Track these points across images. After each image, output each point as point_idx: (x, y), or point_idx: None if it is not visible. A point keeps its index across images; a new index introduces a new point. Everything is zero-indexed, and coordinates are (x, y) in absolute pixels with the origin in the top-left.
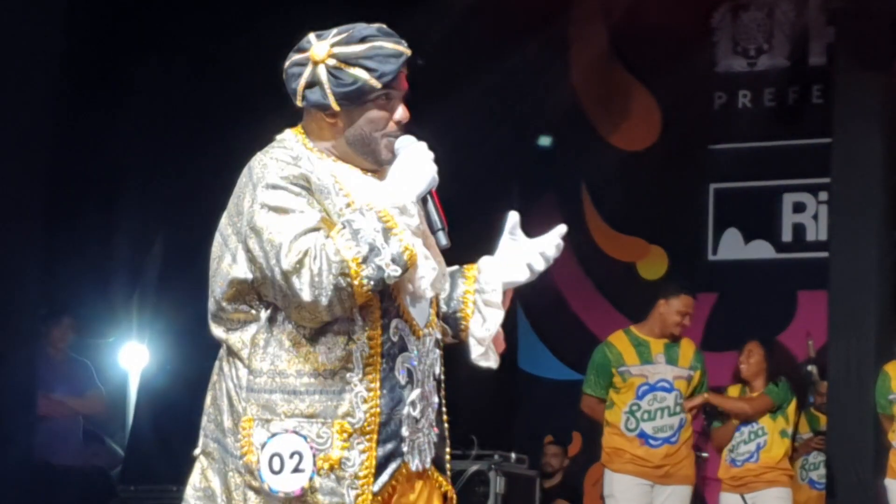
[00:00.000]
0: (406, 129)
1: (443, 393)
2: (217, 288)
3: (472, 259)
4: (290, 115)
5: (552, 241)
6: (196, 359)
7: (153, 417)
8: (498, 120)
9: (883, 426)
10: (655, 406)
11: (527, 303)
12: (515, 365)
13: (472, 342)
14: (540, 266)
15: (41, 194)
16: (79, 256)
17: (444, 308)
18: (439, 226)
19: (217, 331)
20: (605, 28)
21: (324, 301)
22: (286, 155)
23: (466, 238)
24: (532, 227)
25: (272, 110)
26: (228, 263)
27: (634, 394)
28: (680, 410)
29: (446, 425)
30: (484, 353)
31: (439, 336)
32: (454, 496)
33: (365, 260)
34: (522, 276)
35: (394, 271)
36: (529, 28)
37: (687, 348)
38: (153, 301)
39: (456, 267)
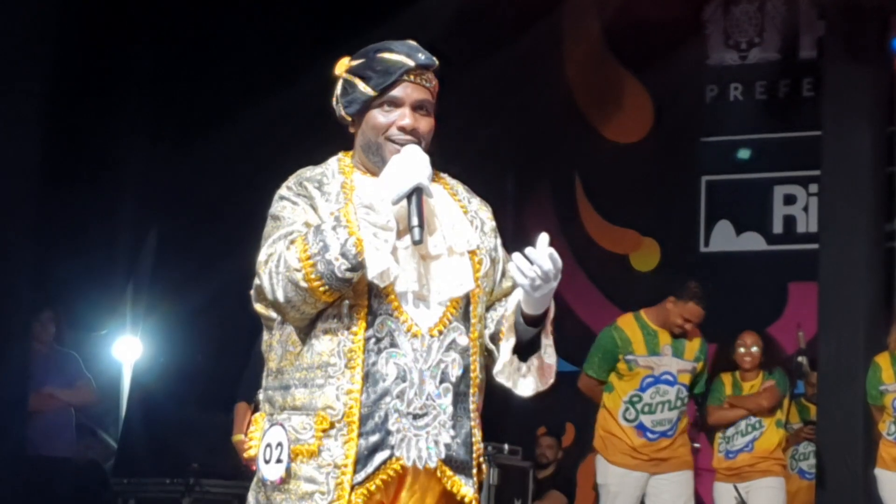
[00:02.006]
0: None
1: (472, 398)
2: (251, 293)
3: None
4: (276, 110)
5: (533, 252)
6: (189, 352)
7: (146, 410)
8: (492, 113)
9: (873, 417)
10: (657, 400)
11: None
12: None
13: (499, 359)
14: (519, 278)
15: (34, 186)
16: (72, 249)
17: (492, 328)
18: (414, 223)
19: (263, 336)
20: (598, 21)
21: (280, 297)
22: (308, 170)
23: None
24: (526, 219)
25: (267, 104)
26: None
27: (638, 384)
28: (681, 405)
29: (475, 430)
30: (501, 371)
31: (463, 341)
32: (473, 499)
33: (314, 256)
34: (518, 295)
35: (343, 265)
36: (523, 21)
37: (693, 340)
38: (146, 294)
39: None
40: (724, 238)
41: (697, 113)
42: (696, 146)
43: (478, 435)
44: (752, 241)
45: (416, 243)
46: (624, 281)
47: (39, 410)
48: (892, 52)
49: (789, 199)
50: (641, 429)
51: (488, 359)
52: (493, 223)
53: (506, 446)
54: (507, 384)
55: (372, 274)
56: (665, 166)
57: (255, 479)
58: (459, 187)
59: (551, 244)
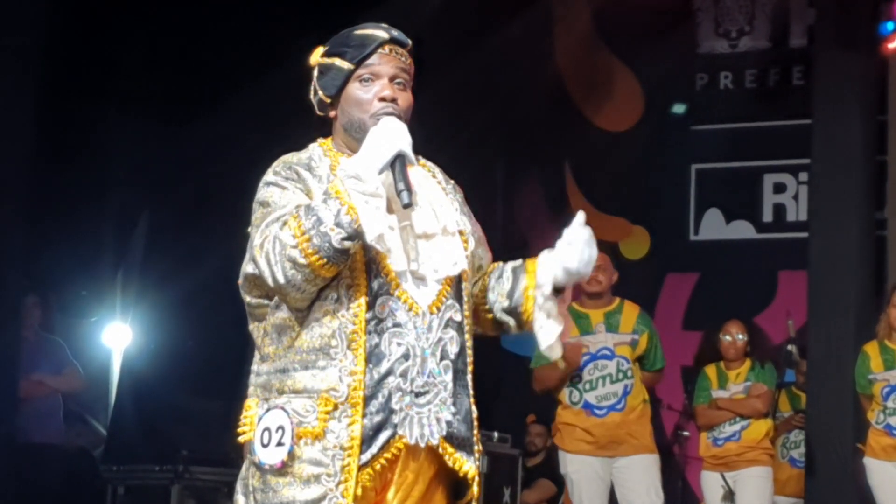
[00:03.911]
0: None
1: (468, 375)
2: (239, 283)
3: None
4: (268, 96)
5: (573, 233)
6: (178, 339)
7: (136, 397)
8: (481, 100)
9: (862, 405)
10: (597, 374)
11: None
12: (498, 344)
13: (538, 336)
14: (574, 265)
15: (25, 173)
16: (62, 236)
17: (506, 303)
18: (401, 187)
19: (250, 326)
20: (588, 9)
21: (280, 279)
22: (292, 155)
23: None
24: (516, 207)
25: (260, 90)
26: (246, 260)
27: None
28: (623, 377)
29: (473, 407)
30: (549, 347)
31: (459, 318)
32: (475, 475)
33: (309, 230)
34: (560, 274)
35: (339, 234)
36: (513, 8)
37: (629, 313)
38: (137, 281)
39: (519, 261)
40: (713, 226)
41: (687, 101)
42: (686, 134)
43: (476, 411)
44: (742, 230)
45: (406, 206)
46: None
47: (28, 397)
48: (881, 36)
49: (779, 188)
50: (588, 407)
51: (488, 325)
52: (466, 207)
53: (495, 434)
54: (549, 355)
55: (370, 237)
56: (655, 154)
57: (244, 467)
58: (437, 170)
59: (540, 232)
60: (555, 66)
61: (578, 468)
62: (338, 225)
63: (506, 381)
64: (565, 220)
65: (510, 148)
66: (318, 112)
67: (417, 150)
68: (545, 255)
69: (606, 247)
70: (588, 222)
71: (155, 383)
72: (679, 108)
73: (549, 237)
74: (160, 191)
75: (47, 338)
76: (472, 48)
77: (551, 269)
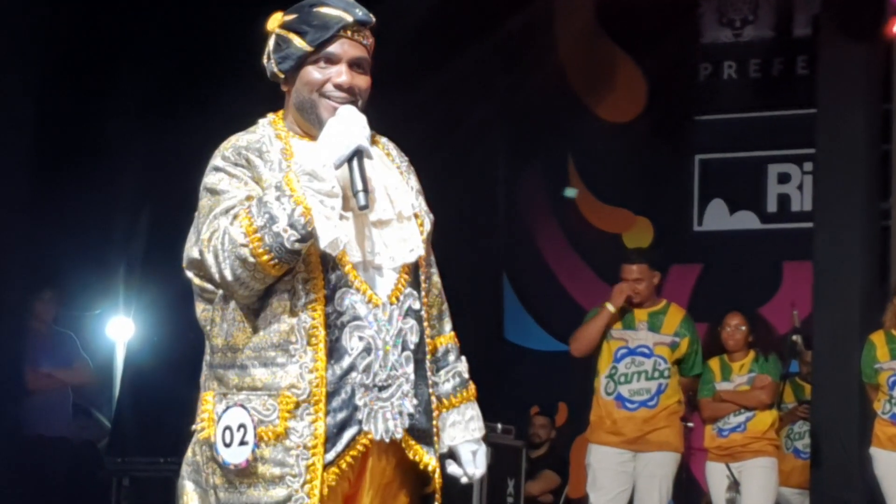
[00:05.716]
0: (387, 101)
1: (427, 364)
2: (184, 265)
3: (455, 226)
4: (267, 89)
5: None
6: (181, 331)
7: (139, 390)
8: (484, 92)
9: (868, 395)
10: (633, 370)
11: (513, 274)
12: (502, 336)
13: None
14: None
15: (28, 166)
16: (66, 229)
17: (440, 388)
18: (359, 188)
19: (198, 309)
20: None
21: (228, 276)
22: (243, 138)
23: (453, 211)
24: (519, 199)
25: (259, 85)
26: (190, 244)
27: (613, 357)
28: (659, 376)
29: (433, 397)
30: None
31: (417, 306)
32: (436, 467)
33: (261, 229)
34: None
35: (292, 236)
36: (514, 0)
37: (674, 315)
38: (139, 274)
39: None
40: (717, 217)
41: (691, 91)
42: (689, 125)
43: (435, 401)
44: (747, 220)
45: (361, 208)
46: (617, 260)
47: (37, 390)
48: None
49: (783, 178)
50: (620, 399)
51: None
52: (419, 185)
53: (499, 426)
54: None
55: (324, 243)
56: (658, 145)
57: (192, 462)
58: (391, 147)
59: (544, 224)
60: (557, 57)
61: (601, 458)
62: (291, 226)
63: (509, 372)
64: (568, 211)
65: (512, 139)
66: (269, 78)
67: (418, 142)
68: (464, 433)
69: (609, 238)
70: (591, 214)
71: (158, 376)
72: (570, 193)
73: (551, 229)
74: (162, 184)
75: (58, 331)
76: (473, 40)
77: (459, 439)
